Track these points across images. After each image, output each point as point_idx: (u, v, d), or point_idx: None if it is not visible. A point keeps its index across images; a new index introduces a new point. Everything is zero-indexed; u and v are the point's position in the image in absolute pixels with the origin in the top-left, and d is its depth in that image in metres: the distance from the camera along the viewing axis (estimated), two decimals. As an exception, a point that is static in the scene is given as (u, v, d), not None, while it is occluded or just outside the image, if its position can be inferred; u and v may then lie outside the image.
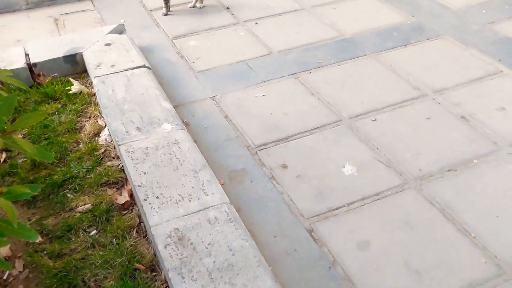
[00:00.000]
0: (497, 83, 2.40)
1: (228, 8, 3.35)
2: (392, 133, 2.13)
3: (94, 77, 2.34)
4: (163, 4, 3.27)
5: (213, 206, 1.66)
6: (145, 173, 1.79)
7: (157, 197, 1.69)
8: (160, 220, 1.60)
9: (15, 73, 2.39)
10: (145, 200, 1.68)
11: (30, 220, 1.82)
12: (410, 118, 2.21)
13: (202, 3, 3.36)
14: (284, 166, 2.01)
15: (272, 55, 2.78)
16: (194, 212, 1.64)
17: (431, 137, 2.09)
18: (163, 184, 1.74)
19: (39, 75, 2.51)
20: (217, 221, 1.60)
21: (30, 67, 2.50)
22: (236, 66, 2.70)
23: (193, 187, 1.73)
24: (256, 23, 3.13)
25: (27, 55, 2.55)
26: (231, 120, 2.29)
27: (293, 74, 2.60)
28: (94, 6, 3.46)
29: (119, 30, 2.79)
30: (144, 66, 2.43)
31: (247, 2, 3.41)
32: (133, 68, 2.41)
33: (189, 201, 1.68)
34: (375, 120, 2.21)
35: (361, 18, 3.11)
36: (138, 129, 2.02)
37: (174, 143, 1.93)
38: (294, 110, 2.33)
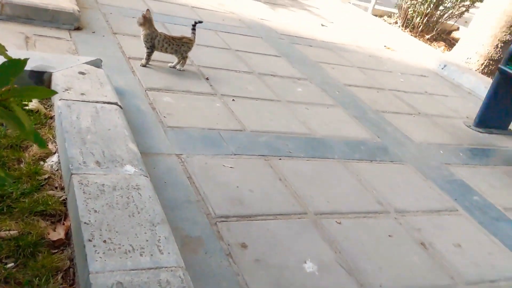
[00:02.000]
0: (453, 219, 2.54)
1: (207, 78, 3.40)
2: (355, 240, 2.12)
3: (60, 99, 2.18)
4: (145, 55, 3.25)
5: (167, 267, 1.48)
6: (95, 211, 1.60)
7: (104, 241, 1.49)
8: (103, 268, 1.40)
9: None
10: (90, 241, 1.47)
11: None
12: (373, 230, 2.24)
13: (183, 66, 3.40)
14: (244, 246, 1.89)
15: (245, 132, 2.79)
16: (144, 269, 1.45)
17: (392, 255, 2.11)
18: (114, 228, 1.56)
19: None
20: (169, 286, 1.42)
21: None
22: (208, 132, 2.66)
23: (147, 240, 1.56)
24: (233, 99, 3.19)
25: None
26: (194, 183, 2.18)
27: (263, 155, 2.60)
28: (70, 37, 3.37)
29: (96, 64, 2.70)
30: (116, 104, 2.32)
31: (227, 79, 3.49)
32: (104, 103, 2.29)
33: (141, 255, 1.49)
34: (340, 223, 2.21)
35: (331, 125, 3.27)
36: (97, 163, 1.85)
37: (134, 188, 1.78)
38: (261, 190, 2.28)
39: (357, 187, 2.57)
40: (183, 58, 3.37)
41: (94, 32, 3.56)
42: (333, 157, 2.83)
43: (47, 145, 2.08)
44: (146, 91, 2.93)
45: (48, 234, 1.64)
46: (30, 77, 2.36)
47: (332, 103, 3.68)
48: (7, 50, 1.07)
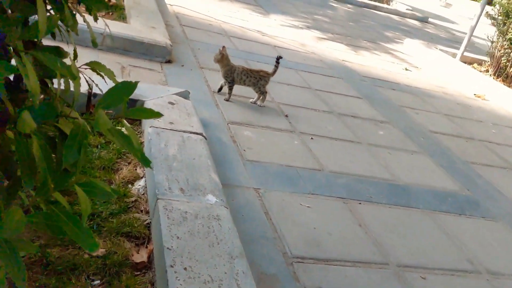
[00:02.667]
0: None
1: (287, 116, 3.46)
2: (441, 298, 1.99)
3: (150, 127, 2.31)
4: (227, 90, 3.39)
5: (244, 302, 1.48)
6: (178, 237, 1.65)
7: (185, 269, 1.53)
8: (183, 295, 1.42)
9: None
10: (172, 267, 1.52)
11: (33, 242, 1.64)
12: (461, 289, 2.09)
13: (263, 102, 3.49)
14: (320, 290, 1.84)
15: (323, 172, 2.77)
16: (222, 301, 1.46)
17: (483, 318, 1.94)
18: (195, 257, 1.59)
19: (94, 105, 2.50)
20: (246, 321, 1.41)
21: (90, 96, 2.50)
22: (286, 169, 2.68)
23: (225, 273, 1.57)
24: (311, 138, 3.20)
25: (90, 84, 2.57)
26: (271, 219, 2.19)
27: (342, 198, 2.55)
28: (162, 69, 3.61)
29: (184, 95, 2.86)
30: (201, 135, 2.42)
31: (306, 117, 3.52)
32: (191, 133, 2.39)
33: (219, 287, 1.50)
34: (424, 278, 2.09)
35: (416, 172, 3.15)
36: (182, 190, 1.92)
37: (215, 218, 1.82)
38: (339, 234, 2.23)
39: (444, 241, 2.43)
40: (261, 93, 3.46)
41: (183, 65, 3.79)
42: (418, 207, 2.71)
43: (136, 168, 2.20)
44: (228, 124, 3.03)
45: (132, 255, 1.71)
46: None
47: (416, 150, 3.56)
48: (115, 76, 1.18)
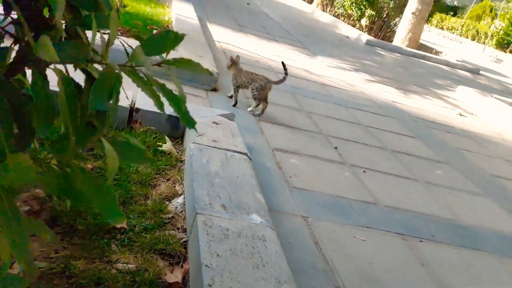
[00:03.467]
0: None
1: (336, 148, 3.26)
2: None
3: (192, 142, 2.18)
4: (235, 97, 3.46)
5: (293, 333, 1.24)
6: (218, 255, 1.45)
7: (225, 289, 1.32)
8: (222, 319, 1.21)
9: (115, 107, 2.31)
10: (210, 286, 1.31)
11: (57, 253, 1.48)
12: None
13: (262, 113, 3.40)
14: (380, 332, 1.57)
15: (377, 206, 2.52)
16: (268, 330, 1.23)
17: None
18: (237, 278, 1.38)
19: (136, 121, 2.42)
20: None
21: (131, 111, 2.42)
22: (337, 199, 2.46)
23: (272, 299, 1.35)
24: (364, 171, 2.97)
25: (133, 101, 2.50)
26: (321, 250, 1.95)
27: (400, 234, 2.29)
28: (207, 96, 3.54)
29: (229, 117, 2.74)
30: (246, 154, 2.26)
31: (357, 151, 3.31)
32: (235, 151, 2.24)
33: (264, 313, 1.28)
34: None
35: (480, 214, 2.84)
36: (223, 206, 1.74)
37: (260, 239, 1.61)
38: (399, 272, 1.95)
39: (521, 290, 2.09)
40: (255, 99, 3.36)
41: (229, 96, 3.70)
42: (487, 250, 2.39)
43: (175, 185, 2.05)
44: (273, 151, 2.86)
45: (165, 275, 1.52)
46: (167, 121, 2.44)
47: (478, 192, 3.24)
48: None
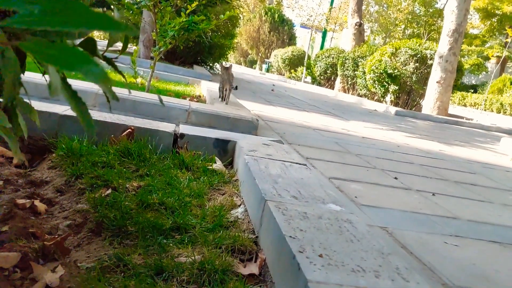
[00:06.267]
0: None
1: (396, 178, 3.00)
2: None
3: (246, 155, 2.00)
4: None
5: (420, 296, 0.96)
6: (301, 230, 1.21)
7: (320, 255, 1.06)
8: (326, 279, 0.94)
9: (159, 135, 2.19)
10: (301, 252, 1.06)
11: (106, 254, 1.26)
12: None
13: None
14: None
15: (460, 220, 2.21)
16: (387, 292, 0.95)
17: None
18: (330, 247, 1.12)
19: (181, 147, 2.27)
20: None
21: (176, 137, 2.29)
22: (413, 214, 2.17)
23: (380, 266, 1.07)
24: (433, 194, 2.68)
25: (175, 130, 2.38)
26: (412, 253, 1.65)
27: (496, 242, 1.95)
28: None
29: (279, 143, 2.56)
30: (305, 165, 2.05)
31: (417, 181, 3.03)
32: (292, 162, 2.04)
33: (376, 277, 1.00)
34: None
35: None
36: (294, 197, 1.51)
37: (345, 221, 1.36)
38: (507, 270, 1.61)
39: None
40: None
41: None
42: None
43: (233, 198, 1.83)
44: (330, 179, 2.63)
45: (238, 269, 1.27)
46: (214, 145, 2.29)
47: None
48: None
